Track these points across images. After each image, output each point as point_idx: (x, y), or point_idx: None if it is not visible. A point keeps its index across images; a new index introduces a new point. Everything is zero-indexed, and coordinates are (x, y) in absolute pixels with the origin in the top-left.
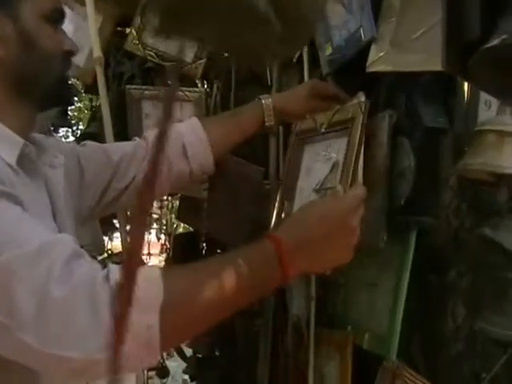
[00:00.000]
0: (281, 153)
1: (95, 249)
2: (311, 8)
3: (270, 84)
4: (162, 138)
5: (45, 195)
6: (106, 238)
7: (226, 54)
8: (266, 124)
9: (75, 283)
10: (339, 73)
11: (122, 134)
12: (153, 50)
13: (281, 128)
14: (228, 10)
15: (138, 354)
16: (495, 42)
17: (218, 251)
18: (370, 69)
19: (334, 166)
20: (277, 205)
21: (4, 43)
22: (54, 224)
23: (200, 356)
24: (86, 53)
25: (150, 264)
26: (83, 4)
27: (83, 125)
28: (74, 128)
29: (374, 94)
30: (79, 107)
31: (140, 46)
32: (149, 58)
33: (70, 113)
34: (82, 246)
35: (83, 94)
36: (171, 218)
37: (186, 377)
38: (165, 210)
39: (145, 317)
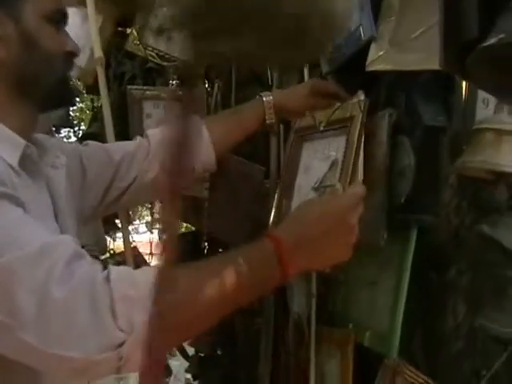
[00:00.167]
0: (282, 152)
1: (97, 249)
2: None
3: (270, 83)
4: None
5: (47, 196)
6: (108, 238)
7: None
8: (267, 121)
9: (76, 284)
10: (339, 72)
11: (123, 134)
12: (154, 50)
13: (281, 127)
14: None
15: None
16: (492, 40)
17: (220, 250)
18: (370, 68)
19: (333, 164)
20: (275, 203)
21: (5, 43)
22: (55, 224)
23: (202, 355)
24: (88, 53)
25: (152, 264)
26: (84, 4)
27: (85, 125)
28: (76, 128)
29: (373, 92)
30: (81, 108)
31: (141, 46)
32: (150, 58)
33: (71, 113)
34: (84, 246)
35: (85, 95)
36: None
37: (189, 376)
38: None
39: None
